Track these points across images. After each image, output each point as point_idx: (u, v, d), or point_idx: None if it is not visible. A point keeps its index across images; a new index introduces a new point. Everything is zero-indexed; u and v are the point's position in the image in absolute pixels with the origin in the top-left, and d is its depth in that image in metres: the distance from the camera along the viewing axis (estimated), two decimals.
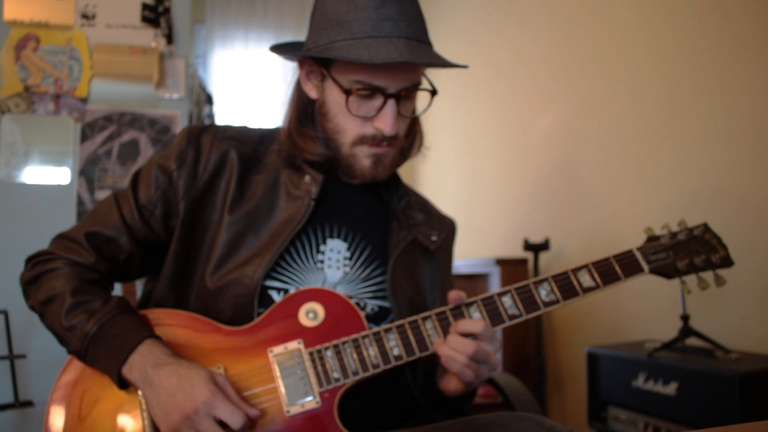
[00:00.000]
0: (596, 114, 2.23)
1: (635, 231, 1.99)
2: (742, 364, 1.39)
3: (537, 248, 2.33)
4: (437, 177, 3.35)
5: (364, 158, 0.99)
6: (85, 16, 2.27)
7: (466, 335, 0.90)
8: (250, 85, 3.89)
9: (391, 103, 0.94)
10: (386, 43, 0.90)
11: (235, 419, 0.81)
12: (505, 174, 2.83)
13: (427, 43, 0.96)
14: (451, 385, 0.93)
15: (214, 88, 3.74)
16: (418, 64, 0.95)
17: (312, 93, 1.02)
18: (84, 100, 2.24)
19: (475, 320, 0.90)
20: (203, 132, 1.04)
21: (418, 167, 1.01)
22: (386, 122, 0.95)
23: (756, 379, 1.33)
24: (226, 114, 3.75)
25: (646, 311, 1.94)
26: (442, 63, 0.94)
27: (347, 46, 0.91)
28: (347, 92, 0.94)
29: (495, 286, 2.43)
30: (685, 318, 1.59)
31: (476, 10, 3.12)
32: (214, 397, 0.81)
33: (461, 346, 0.88)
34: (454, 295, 0.93)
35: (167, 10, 2.33)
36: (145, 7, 2.31)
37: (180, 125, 2.31)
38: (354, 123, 0.97)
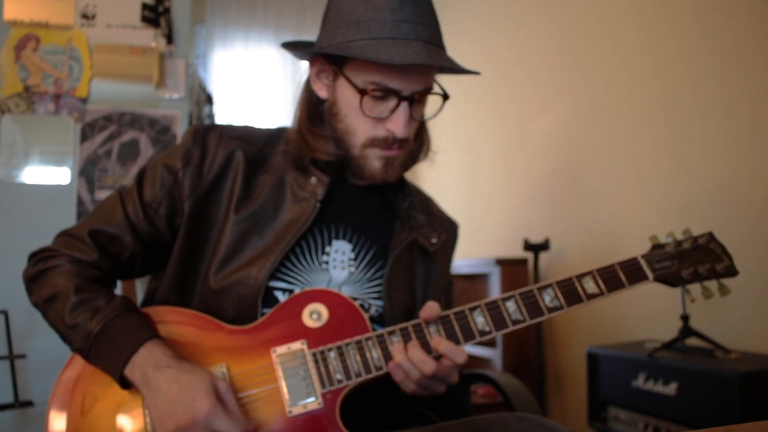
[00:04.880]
0: (596, 114, 2.23)
1: (635, 231, 2.00)
2: (742, 364, 1.40)
3: (537, 248, 2.33)
4: (437, 177, 3.35)
5: (374, 160, 0.99)
6: (85, 16, 2.27)
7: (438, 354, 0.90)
8: (250, 85, 3.89)
9: (404, 106, 0.94)
10: (404, 45, 0.90)
11: None
12: (505, 174, 2.83)
13: (442, 48, 0.97)
14: (403, 384, 0.92)
15: (214, 88, 3.74)
16: (432, 69, 0.95)
17: (322, 92, 1.02)
18: (84, 100, 2.24)
19: (459, 351, 0.90)
20: (209, 131, 1.04)
21: (419, 167, 1.02)
22: (399, 124, 0.94)
23: (756, 379, 1.33)
24: (226, 114, 3.74)
25: (646, 311, 1.94)
26: (459, 68, 0.95)
27: (365, 46, 0.90)
28: (362, 92, 0.94)
29: (495, 286, 2.43)
30: (685, 318, 1.60)
31: (476, 11, 3.13)
32: (214, 410, 0.80)
33: (423, 365, 0.89)
34: (426, 313, 0.93)
35: (167, 10, 2.32)
36: (145, 7, 2.31)
37: (180, 125, 2.31)
38: (366, 124, 0.96)
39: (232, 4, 3.92)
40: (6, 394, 1.86)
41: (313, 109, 1.03)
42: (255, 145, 1.05)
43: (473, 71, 0.97)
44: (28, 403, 1.86)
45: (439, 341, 0.91)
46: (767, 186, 1.60)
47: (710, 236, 1.01)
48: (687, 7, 1.85)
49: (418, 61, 0.88)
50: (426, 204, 1.17)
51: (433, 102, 1.03)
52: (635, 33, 2.06)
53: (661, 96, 1.94)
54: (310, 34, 1.02)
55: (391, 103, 0.95)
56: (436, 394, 0.93)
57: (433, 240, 1.09)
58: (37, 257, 0.99)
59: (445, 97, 1.01)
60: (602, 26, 2.22)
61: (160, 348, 0.88)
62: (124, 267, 1.02)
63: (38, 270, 0.97)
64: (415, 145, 1.05)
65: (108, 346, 0.88)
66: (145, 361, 0.86)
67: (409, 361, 0.89)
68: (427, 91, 0.98)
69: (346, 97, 0.97)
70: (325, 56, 0.98)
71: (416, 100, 0.96)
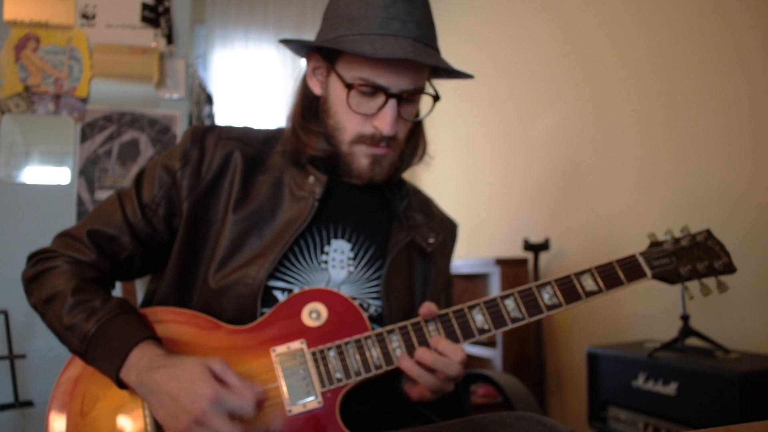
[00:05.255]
0: (596, 114, 2.23)
1: (635, 231, 2.00)
2: (742, 364, 1.39)
3: (537, 248, 2.33)
4: (437, 177, 3.35)
5: (362, 157, 0.99)
6: (85, 16, 2.27)
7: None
8: (250, 85, 3.89)
9: (391, 103, 0.95)
10: (392, 41, 0.91)
11: (246, 408, 0.82)
12: (505, 174, 2.83)
13: (434, 48, 0.97)
14: (414, 391, 0.93)
15: (214, 88, 3.74)
16: (422, 68, 0.95)
17: (317, 89, 1.03)
18: (84, 100, 2.24)
19: (458, 348, 0.90)
20: (208, 132, 1.04)
21: (418, 167, 1.02)
22: (385, 121, 0.95)
23: (756, 379, 1.33)
24: (226, 114, 3.74)
25: (646, 311, 1.94)
26: (447, 68, 0.95)
27: (353, 41, 0.92)
28: (349, 86, 0.94)
29: (495, 286, 2.43)
30: (685, 318, 1.60)
31: (476, 11, 3.13)
32: (218, 393, 0.81)
33: (437, 364, 0.89)
34: (425, 310, 0.93)
35: (167, 10, 2.33)
36: (145, 7, 2.31)
37: (180, 125, 2.31)
38: (354, 120, 0.97)
39: (232, 4, 3.93)
40: (6, 394, 1.86)
41: (308, 105, 1.04)
42: (253, 145, 1.05)
43: (466, 74, 0.97)
44: (28, 403, 1.86)
45: (438, 340, 0.91)
46: (767, 186, 1.60)
47: (708, 233, 1.01)
48: (687, 7, 1.85)
49: (401, 56, 0.89)
50: (425, 204, 1.17)
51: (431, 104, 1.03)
52: (635, 33, 2.06)
53: (661, 96, 1.94)
54: (310, 35, 1.03)
55: (380, 100, 0.95)
56: (446, 392, 0.93)
57: (431, 240, 1.09)
58: (36, 258, 0.99)
59: (436, 98, 1.00)
60: (602, 26, 2.22)
61: (152, 348, 0.88)
62: (122, 267, 1.03)
63: (37, 271, 0.97)
64: (408, 146, 1.05)
65: (104, 348, 0.88)
66: (139, 362, 0.86)
67: (442, 353, 0.90)
68: (418, 90, 0.98)
69: (336, 93, 0.98)
70: (320, 53, 0.99)
71: (406, 99, 0.97)
